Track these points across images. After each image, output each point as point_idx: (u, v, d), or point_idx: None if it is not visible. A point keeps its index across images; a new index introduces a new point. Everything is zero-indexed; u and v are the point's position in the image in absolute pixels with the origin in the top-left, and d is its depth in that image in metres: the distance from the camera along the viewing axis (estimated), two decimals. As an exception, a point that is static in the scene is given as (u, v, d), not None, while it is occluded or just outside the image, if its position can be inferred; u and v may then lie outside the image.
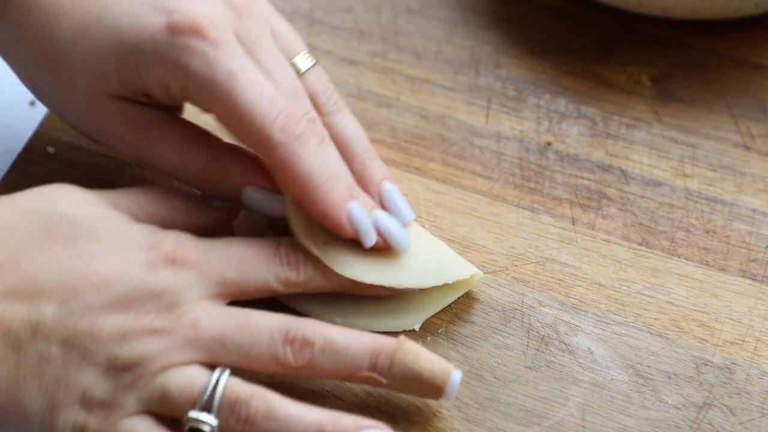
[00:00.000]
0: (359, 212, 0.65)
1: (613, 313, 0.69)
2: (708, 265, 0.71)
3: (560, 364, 0.67)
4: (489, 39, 0.81)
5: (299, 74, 0.68)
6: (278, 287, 0.65)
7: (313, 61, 0.68)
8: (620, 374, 0.67)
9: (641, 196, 0.74)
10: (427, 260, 0.67)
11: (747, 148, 0.76)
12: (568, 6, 0.82)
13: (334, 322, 0.68)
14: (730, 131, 0.77)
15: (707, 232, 0.73)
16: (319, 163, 0.64)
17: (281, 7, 0.81)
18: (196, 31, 0.63)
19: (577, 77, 0.79)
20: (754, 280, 0.71)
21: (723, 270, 0.71)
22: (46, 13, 0.66)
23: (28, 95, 0.78)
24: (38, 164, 0.74)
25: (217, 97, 0.63)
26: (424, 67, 0.79)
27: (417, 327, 0.68)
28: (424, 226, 0.72)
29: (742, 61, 0.80)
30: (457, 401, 0.66)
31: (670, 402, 0.66)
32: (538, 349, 0.68)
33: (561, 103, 0.78)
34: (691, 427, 0.65)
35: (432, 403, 0.66)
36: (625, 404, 0.66)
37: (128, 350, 0.60)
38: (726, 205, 0.74)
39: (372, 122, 0.76)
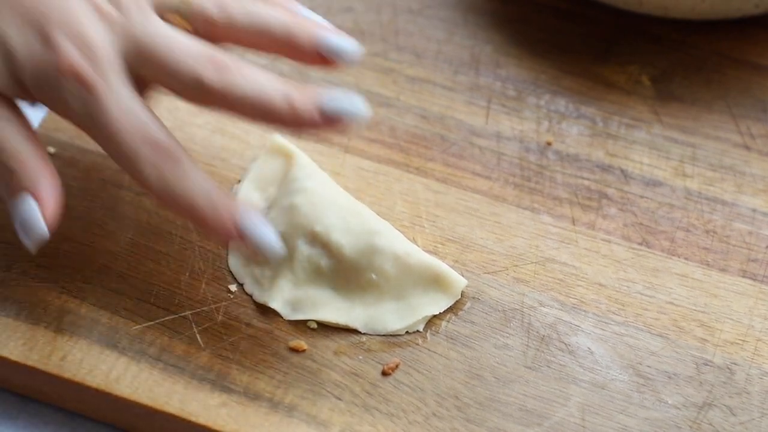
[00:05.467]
0: (250, 224, 0.64)
1: (613, 313, 0.69)
2: (708, 265, 0.71)
3: (560, 364, 0.67)
4: (489, 39, 0.81)
5: (186, 13, 0.68)
6: None
7: None
8: (620, 374, 0.67)
9: (641, 196, 0.74)
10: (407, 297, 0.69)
11: (747, 148, 0.76)
12: (568, 6, 0.82)
13: (336, 325, 0.68)
14: (730, 131, 0.77)
15: (707, 232, 0.73)
16: (195, 188, 0.64)
17: (281, 7, 0.81)
18: (74, 75, 0.64)
19: (577, 77, 0.79)
20: (754, 280, 0.71)
21: (723, 270, 0.71)
22: None
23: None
24: (38, 164, 0.74)
25: (95, 136, 0.65)
26: (424, 67, 0.79)
27: (421, 328, 0.68)
28: (424, 227, 0.72)
29: (742, 61, 0.80)
30: (458, 401, 0.66)
31: (670, 402, 0.66)
32: (538, 349, 0.68)
33: (561, 103, 0.78)
34: (691, 427, 0.65)
35: (431, 402, 0.66)
36: (625, 404, 0.66)
37: None
38: (726, 205, 0.74)
39: (372, 122, 0.76)
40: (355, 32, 0.81)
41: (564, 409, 0.66)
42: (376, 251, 0.69)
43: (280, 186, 0.72)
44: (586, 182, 0.75)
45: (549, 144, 0.76)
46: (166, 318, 0.68)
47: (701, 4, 0.78)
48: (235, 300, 0.69)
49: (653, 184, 0.75)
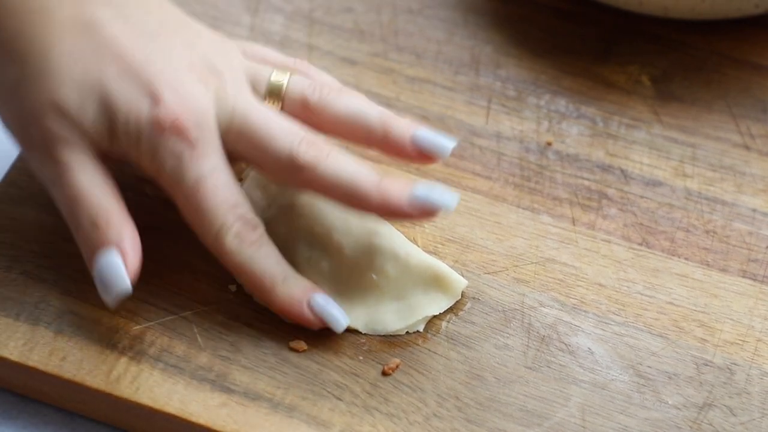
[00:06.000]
0: (322, 301, 0.66)
1: (614, 313, 0.69)
2: (708, 265, 0.71)
3: (560, 365, 0.67)
4: (489, 39, 0.81)
5: (282, 92, 0.68)
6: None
7: (287, 74, 0.69)
8: (620, 374, 0.67)
9: (641, 196, 0.74)
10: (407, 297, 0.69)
11: (747, 148, 0.76)
12: (568, 6, 0.82)
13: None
14: (730, 131, 0.77)
15: (707, 232, 0.73)
16: (274, 264, 0.66)
17: (281, 7, 0.81)
18: (177, 131, 0.65)
19: (577, 77, 0.79)
20: (754, 280, 0.71)
21: (723, 270, 0.71)
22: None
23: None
24: (38, 164, 0.74)
25: (181, 196, 0.66)
26: (424, 67, 0.79)
27: (421, 328, 0.68)
28: (424, 227, 0.72)
29: (742, 61, 0.80)
30: (458, 401, 0.66)
31: (670, 402, 0.66)
32: (538, 350, 0.68)
33: (561, 103, 0.78)
34: (691, 427, 0.65)
35: (432, 402, 0.66)
36: (625, 404, 0.66)
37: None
38: (726, 205, 0.74)
39: (372, 122, 0.76)
40: (355, 32, 0.81)
41: (564, 409, 0.66)
42: (376, 252, 0.69)
43: (281, 185, 0.72)
44: (586, 182, 0.74)
45: (549, 144, 0.76)
46: (166, 318, 0.68)
47: (701, 4, 0.78)
48: (235, 300, 0.69)
49: (653, 184, 0.75)
